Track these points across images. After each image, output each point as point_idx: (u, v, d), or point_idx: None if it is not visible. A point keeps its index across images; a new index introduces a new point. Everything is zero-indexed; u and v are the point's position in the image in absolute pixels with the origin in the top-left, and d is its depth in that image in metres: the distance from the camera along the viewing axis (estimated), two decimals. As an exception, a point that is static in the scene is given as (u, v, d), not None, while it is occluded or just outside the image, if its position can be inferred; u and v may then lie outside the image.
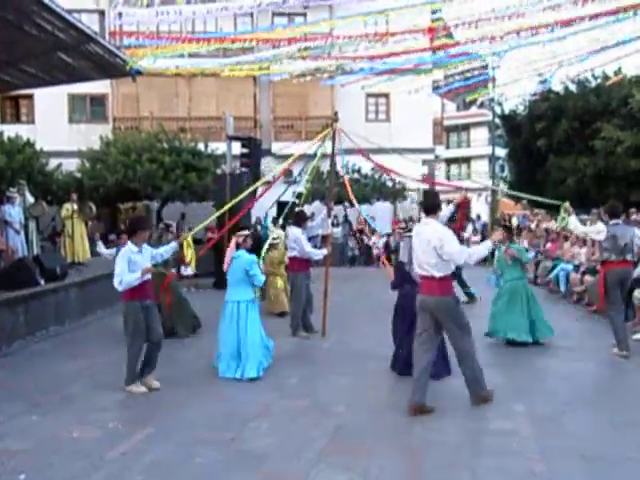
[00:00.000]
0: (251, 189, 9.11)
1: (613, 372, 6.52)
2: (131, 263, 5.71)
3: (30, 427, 4.98)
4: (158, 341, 5.98)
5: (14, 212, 10.83)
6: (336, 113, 8.96)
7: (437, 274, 5.13)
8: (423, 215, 5.46)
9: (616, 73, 17.94)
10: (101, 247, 9.67)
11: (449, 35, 11.73)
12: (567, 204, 7.21)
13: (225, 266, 6.46)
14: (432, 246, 5.07)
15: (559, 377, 6.26)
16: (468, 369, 5.34)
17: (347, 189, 9.78)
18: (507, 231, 7.85)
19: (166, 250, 6.37)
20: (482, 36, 9.24)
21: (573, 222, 7.27)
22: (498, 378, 6.21)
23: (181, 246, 12.39)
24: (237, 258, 6.39)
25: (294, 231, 8.54)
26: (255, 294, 6.57)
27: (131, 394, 5.83)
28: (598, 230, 7.19)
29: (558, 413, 5.14)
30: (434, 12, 9.46)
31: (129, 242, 5.87)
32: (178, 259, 13.99)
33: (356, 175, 20.90)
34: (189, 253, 8.66)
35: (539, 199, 9.37)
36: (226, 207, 8.58)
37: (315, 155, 8.92)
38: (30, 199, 11.66)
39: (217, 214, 9.00)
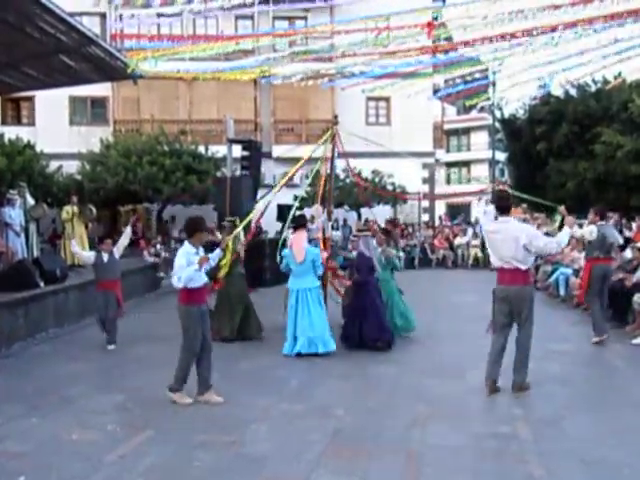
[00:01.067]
0: (269, 196, 9.20)
1: (612, 376, 6.52)
2: (189, 264, 5.54)
3: (29, 429, 4.98)
4: (210, 350, 5.78)
5: (14, 214, 10.83)
6: (336, 116, 8.98)
7: (522, 267, 5.70)
8: (488, 213, 6.09)
9: (616, 77, 17.97)
10: (75, 246, 9.21)
11: (449, 38, 11.76)
12: (562, 208, 7.52)
13: (300, 258, 7.35)
14: (521, 242, 5.60)
15: (558, 381, 6.26)
16: (524, 356, 5.85)
17: (360, 190, 10.01)
18: (386, 235, 9.01)
19: (213, 257, 6.13)
20: (482, 38, 9.25)
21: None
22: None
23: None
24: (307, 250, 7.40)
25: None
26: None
27: (127, 397, 5.82)
28: (591, 231, 7.88)
29: (557, 417, 5.14)
30: (435, 17, 9.49)
31: (187, 243, 5.71)
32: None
33: (358, 178, 20.91)
34: (227, 257, 8.30)
35: (539, 201, 9.41)
36: (248, 217, 8.64)
37: (319, 159, 8.94)
38: (30, 201, 11.67)
39: (243, 224, 8.57)
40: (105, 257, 8.18)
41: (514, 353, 5.89)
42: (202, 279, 5.68)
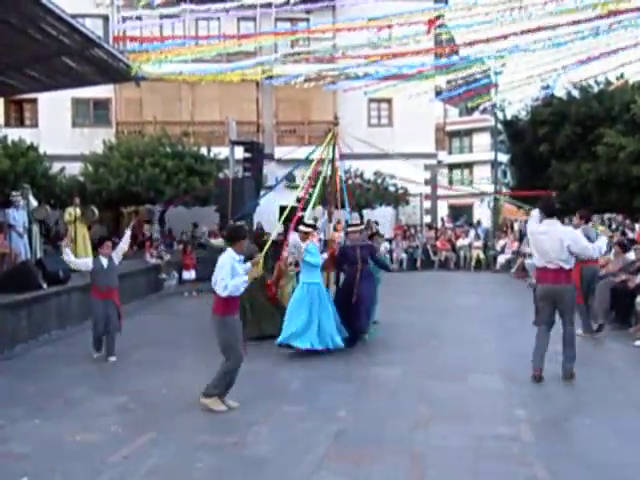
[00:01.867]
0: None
1: (615, 378, 6.51)
2: (234, 271, 5.42)
3: (32, 431, 4.99)
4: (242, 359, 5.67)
5: (18, 215, 10.87)
6: (336, 117, 8.97)
7: (566, 266, 6.21)
8: (534, 217, 6.57)
9: (618, 79, 17.94)
10: (69, 255, 7.71)
11: (451, 39, 11.77)
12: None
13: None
14: (566, 244, 6.12)
15: (560, 383, 6.25)
16: (572, 348, 6.35)
17: (349, 194, 9.75)
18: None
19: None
20: (485, 39, 9.26)
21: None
22: (499, 384, 6.22)
23: (184, 250, 12.24)
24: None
25: (294, 237, 8.59)
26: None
27: (129, 399, 5.83)
28: (604, 242, 7.42)
29: (559, 419, 5.14)
30: (438, 17, 9.50)
31: (230, 250, 5.57)
32: (181, 263, 14.11)
33: (358, 180, 20.93)
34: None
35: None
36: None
37: (326, 160, 8.95)
38: (33, 203, 11.70)
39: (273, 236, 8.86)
40: (104, 262, 7.51)
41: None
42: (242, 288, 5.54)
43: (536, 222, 6.52)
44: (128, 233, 8.12)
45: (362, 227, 8.59)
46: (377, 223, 21.16)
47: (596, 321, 8.66)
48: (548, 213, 6.38)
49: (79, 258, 12.66)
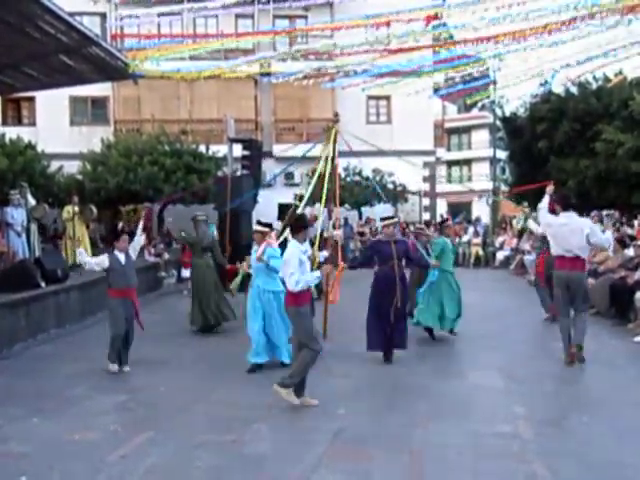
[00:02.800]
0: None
1: (614, 375, 6.51)
2: (302, 263, 5.34)
3: (31, 430, 4.98)
4: (321, 349, 5.59)
5: (16, 214, 10.85)
6: (336, 114, 8.95)
7: (583, 255, 6.68)
8: (543, 209, 7.19)
9: (617, 75, 17.93)
10: (84, 255, 7.19)
11: (450, 37, 11.72)
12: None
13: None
14: (585, 234, 6.57)
15: (559, 381, 6.25)
16: (583, 331, 6.77)
17: (336, 190, 9.46)
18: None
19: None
20: (482, 37, 9.24)
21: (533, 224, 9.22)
22: (498, 381, 6.22)
23: (183, 249, 12.19)
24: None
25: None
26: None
27: (128, 398, 5.81)
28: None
29: (559, 416, 5.14)
30: (435, 16, 9.48)
31: (294, 240, 5.48)
32: (179, 261, 14.09)
33: (357, 177, 20.92)
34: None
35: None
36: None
37: (323, 157, 8.89)
38: (32, 201, 11.68)
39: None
40: (122, 258, 6.81)
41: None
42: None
43: (545, 214, 7.13)
44: (141, 225, 7.61)
45: (396, 220, 7.67)
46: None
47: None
48: (565, 206, 6.87)
49: (77, 256, 12.73)
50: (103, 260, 6.77)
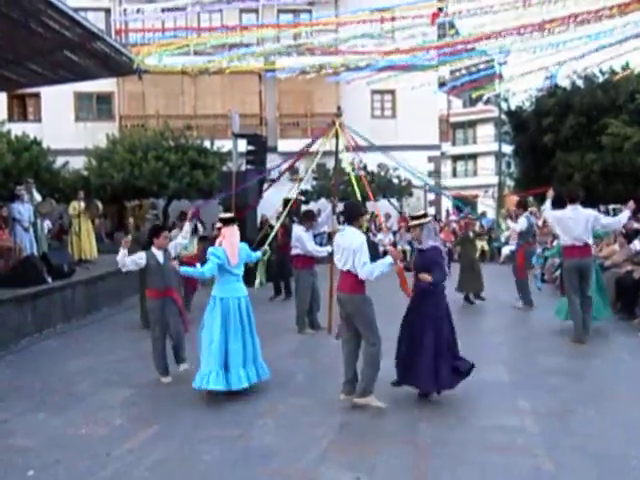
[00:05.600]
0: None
1: (619, 369, 6.49)
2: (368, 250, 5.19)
3: (38, 424, 5.01)
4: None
5: (23, 210, 10.88)
6: (339, 108, 8.92)
7: (590, 241, 7.55)
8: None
9: (624, 68, 17.81)
10: (125, 255, 6.12)
11: (453, 25, 11.68)
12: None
13: (234, 260, 5.76)
14: (590, 222, 7.44)
15: (565, 374, 6.24)
16: (590, 315, 7.66)
17: (364, 185, 9.43)
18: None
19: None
20: (488, 31, 9.19)
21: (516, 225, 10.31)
22: (503, 375, 6.22)
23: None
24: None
25: (297, 229, 8.60)
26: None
27: (134, 392, 5.84)
28: (522, 223, 10.04)
29: (564, 410, 5.13)
30: (440, 9, 9.42)
31: (354, 229, 5.31)
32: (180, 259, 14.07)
33: (362, 172, 20.85)
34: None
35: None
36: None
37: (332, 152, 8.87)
38: (38, 197, 11.72)
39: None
40: (160, 256, 6.26)
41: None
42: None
43: (550, 213, 8.03)
44: (188, 224, 6.93)
45: (428, 220, 5.63)
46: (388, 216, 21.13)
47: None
48: (572, 199, 7.57)
49: (83, 252, 12.77)
50: (140, 258, 6.22)
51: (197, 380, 5.53)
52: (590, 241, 7.55)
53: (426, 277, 5.21)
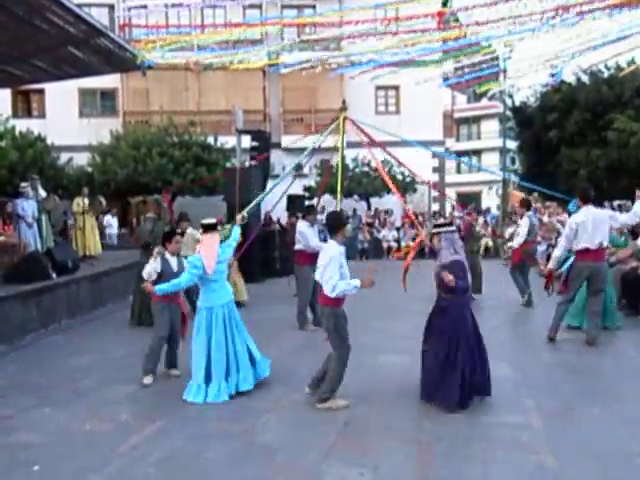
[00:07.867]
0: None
1: (624, 366, 6.47)
2: (341, 267, 4.99)
3: (43, 420, 5.03)
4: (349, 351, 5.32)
5: (27, 206, 10.91)
6: (344, 101, 8.90)
7: (605, 244, 7.21)
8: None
9: (629, 64, 17.71)
10: (157, 263, 6.12)
11: (456, 19, 11.62)
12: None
13: (210, 270, 5.52)
14: (607, 223, 7.22)
15: (569, 370, 6.22)
16: (598, 317, 7.37)
17: (384, 180, 9.38)
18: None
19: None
20: (493, 25, 9.16)
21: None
22: (507, 372, 6.20)
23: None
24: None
25: (300, 225, 8.58)
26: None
27: (139, 388, 5.85)
28: (525, 223, 9.94)
29: (568, 408, 5.12)
30: (445, 4, 9.40)
31: (334, 242, 5.07)
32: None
33: (366, 168, 20.86)
34: None
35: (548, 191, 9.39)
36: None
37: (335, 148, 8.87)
38: (42, 193, 11.74)
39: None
40: (173, 263, 6.21)
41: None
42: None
43: (567, 229, 7.50)
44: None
45: (451, 229, 5.30)
46: (387, 212, 21.09)
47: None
48: (586, 200, 7.31)
49: (87, 248, 12.79)
50: (156, 267, 6.11)
51: (185, 391, 5.56)
52: (606, 243, 7.24)
53: (450, 277, 4.95)
